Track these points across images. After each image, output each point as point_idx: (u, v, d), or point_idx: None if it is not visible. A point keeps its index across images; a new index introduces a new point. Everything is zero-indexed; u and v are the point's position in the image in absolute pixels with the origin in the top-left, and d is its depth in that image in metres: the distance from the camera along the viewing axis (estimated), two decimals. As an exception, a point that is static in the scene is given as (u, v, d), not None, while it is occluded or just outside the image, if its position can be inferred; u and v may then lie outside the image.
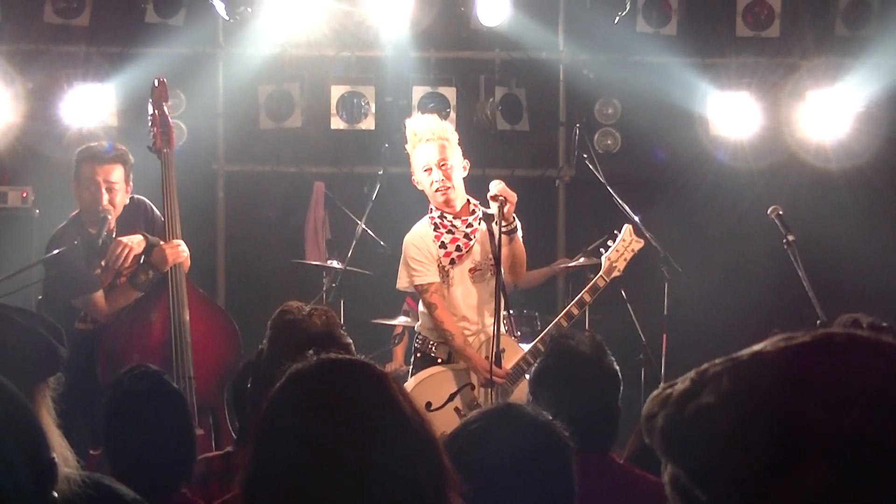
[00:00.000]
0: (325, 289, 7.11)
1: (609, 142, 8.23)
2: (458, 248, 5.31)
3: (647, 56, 8.04)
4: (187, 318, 5.06)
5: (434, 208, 5.34)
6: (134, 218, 5.32)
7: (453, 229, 5.31)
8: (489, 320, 5.31)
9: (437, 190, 5.25)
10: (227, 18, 7.09)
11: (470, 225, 5.33)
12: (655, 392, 1.25)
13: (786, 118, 8.08)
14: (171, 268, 5.11)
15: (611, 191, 6.88)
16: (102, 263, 5.07)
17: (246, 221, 8.34)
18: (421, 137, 5.28)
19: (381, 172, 7.09)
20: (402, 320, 7.10)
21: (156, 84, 5.45)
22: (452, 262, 5.31)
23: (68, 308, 5.09)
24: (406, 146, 5.40)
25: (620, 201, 6.82)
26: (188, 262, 5.22)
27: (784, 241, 5.75)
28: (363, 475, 1.71)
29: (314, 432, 1.75)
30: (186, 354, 5.00)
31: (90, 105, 7.56)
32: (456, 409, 5.22)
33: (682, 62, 8.00)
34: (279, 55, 7.97)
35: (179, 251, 5.16)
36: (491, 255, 5.26)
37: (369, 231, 7.09)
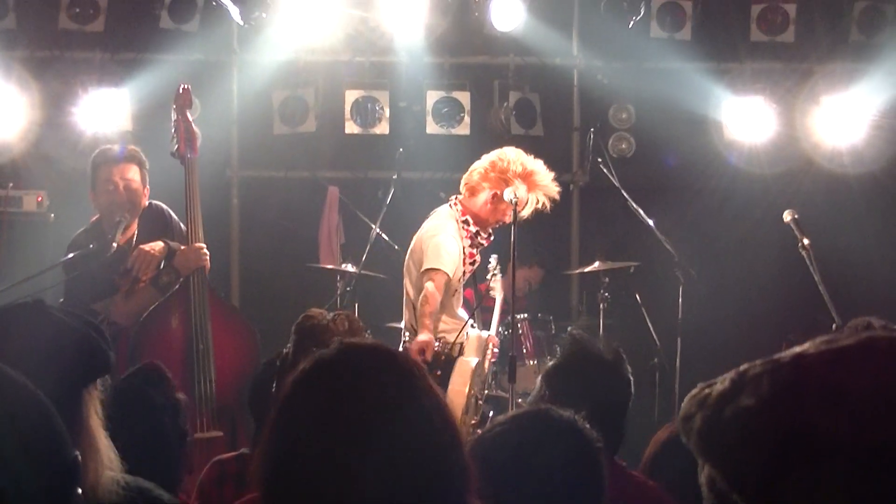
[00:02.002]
0: (339, 293, 7.12)
1: (623, 146, 8.21)
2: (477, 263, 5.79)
3: (662, 61, 8.04)
4: (209, 321, 5.06)
5: (472, 221, 5.59)
6: (153, 224, 5.33)
7: (478, 245, 5.67)
8: (462, 313, 5.77)
9: (498, 223, 5.57)
10: (241, 24, 7.11)
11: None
12: (693, 392, 1.23)
13: (800, 123, 8.06)
14: (193, 272, 5.11)
15: (626, 195, 6.87)
16: (122, 270, 5.07)
17: (260, 227, 8.33)
18: (536, 185, 5.46)
19: (395, 177, 7.09)
20: None
21: (180, 90, 5.46)
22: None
23: (88, 311, 5.08)
24: (504, 164, 5.46)
25: (635, 205, 6.81)
26: (209, 266, 5.22)
27: (800, 245, 5.73)
28: (381, 462, 1.67)
29: (333, 416, 1.71)
30: (208, 358, 5.01)
31: (105, 110, 7.58)
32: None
33: (696, 67, 7.99)
34: (293, 61, 7.97)
35: (202, 254, 5.17)
36: None
37: (384, 235, 7.09)
